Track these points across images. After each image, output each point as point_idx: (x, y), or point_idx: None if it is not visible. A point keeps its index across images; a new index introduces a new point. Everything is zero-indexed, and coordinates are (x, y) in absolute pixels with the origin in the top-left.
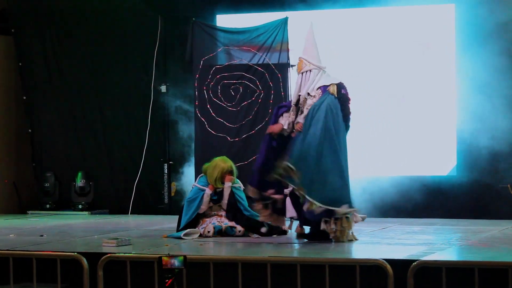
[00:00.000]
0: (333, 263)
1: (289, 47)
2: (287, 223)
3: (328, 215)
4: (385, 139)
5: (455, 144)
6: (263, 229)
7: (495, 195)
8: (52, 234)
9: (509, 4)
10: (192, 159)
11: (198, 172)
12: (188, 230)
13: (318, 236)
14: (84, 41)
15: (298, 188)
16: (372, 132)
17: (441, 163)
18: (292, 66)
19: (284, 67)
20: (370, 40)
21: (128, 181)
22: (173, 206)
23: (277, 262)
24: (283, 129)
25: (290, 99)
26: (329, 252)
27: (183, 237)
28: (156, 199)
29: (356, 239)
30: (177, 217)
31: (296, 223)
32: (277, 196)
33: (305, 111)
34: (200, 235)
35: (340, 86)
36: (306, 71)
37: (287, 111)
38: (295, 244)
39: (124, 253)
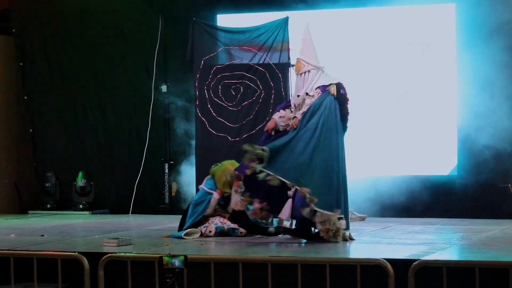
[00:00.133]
0: (333, 262)
1: (290, 47)
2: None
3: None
4: (386, 139)
5: (456, 144)
6: (271, 229)
7: (496, 194)
8: (53, 234)
9: (509, 3)
10: (193, 159)
11: (199, 171)
12: (188, 230)
13: (303, 233)
14: (85, 40)
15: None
16: (373, 131)
17: (442, 162)
18: (293, 65)
19: (284, 67)
20: (370, 39)
21: (128, 181)
22: (174, 206)
23: (278, 262)
24: (277, 124)
25: (290, 99)
26: (330, 252)
27: (184, 237)
28: (157, 199)
29: (353, 239)
30: (178, 216)
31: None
32: (257, 205)
33: (304, 108)
34: (201, 235)
35: (339, 86)
36: (305, 72)
37: (285, 108)
38: (296, 244)
39: (125, 253)
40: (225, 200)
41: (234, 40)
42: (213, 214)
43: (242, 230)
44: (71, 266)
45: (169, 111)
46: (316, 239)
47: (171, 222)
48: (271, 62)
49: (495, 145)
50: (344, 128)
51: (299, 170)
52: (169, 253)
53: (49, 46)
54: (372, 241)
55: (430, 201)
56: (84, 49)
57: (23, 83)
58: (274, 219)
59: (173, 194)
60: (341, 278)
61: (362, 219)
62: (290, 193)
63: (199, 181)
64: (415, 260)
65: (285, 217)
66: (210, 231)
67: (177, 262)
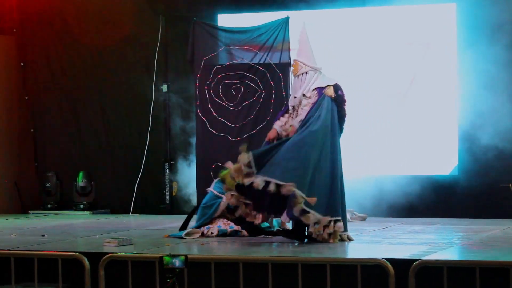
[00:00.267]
0: (334, 262)
1: (290, 47)
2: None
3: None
4: (386, 139)
5: (457, 143)
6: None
7: (497, 194)
8: (53, 234)
9: (509, 3)
10: (193, 159)
11: (199, 171)
12: (189, 229)
13: (299, 234)
14: (85, 40)
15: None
16: (373, 131)
17: (443, 162)
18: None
19: (285, 67)
20: (371, 39)
21: (129, 181)
22: (174, 206)
23: (279, 261)
24: (278, 133)
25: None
26: (331, 252)
27: (184, 237)
28: (157, 198)
29: (352, 239)
30: (178, 216)
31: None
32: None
33: (301, 112)
34: (202, 234)
35: (336, 87)
36: (302, 74)
37: (284, 114)
38: (296, 244)
39: (126, 253)
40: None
41: (234, 40)
42: (219, 216)
43: (244, 232)
44: (71, 266)
45: (169, 111)
46: (310, 240)
47: (172, 222)
48: (271, 62)
49: (496, 144)
50: (341, 129)
51: (287, 169)
52: (170, 253)
53: (50, 46)
54: (373, 241)
55: (431, 201)
56: (84, 49)
57: (24, 83)
58: (275, 220)
59: (174, 194)
60: (341, 278)
61: (363, 219)
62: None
63: (199, 181)
64: (415, 260)
65: (284, 218)
66: (212, 233)
67: (177, 262)
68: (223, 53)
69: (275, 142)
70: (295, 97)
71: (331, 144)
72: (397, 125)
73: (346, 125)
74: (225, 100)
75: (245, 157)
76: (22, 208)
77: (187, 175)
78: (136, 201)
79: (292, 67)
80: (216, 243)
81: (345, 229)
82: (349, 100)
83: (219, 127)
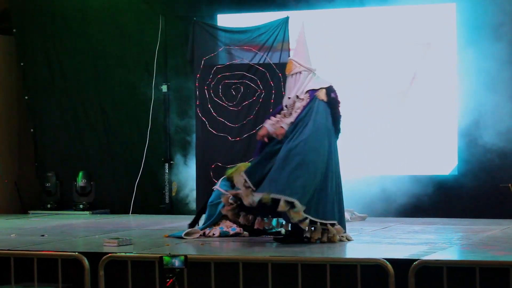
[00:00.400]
0: (334, 262)
1: (290, 47)
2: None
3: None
4: (386, 138)
5: (457, 143)
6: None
7: (496, 194)
8: (53, 234)
9: (509, 3)
10: (193, 159)
11: (199, 171)
12: (189, 229)
13: (293, 238)
14: (85, 40)
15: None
16: (373, 131)
17: (443, 162)
18: None
19: (285, 67)
20: (371, 39)
21: (129, 181)
22: (174, 206)
23: (278, 261)
24: (269, 131)
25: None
26: (330, 252)
27: (184, 237)
28: (157, 198)
29: (351, 239)
30: (178, 216)
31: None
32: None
33: (294, 114)
34: (204, 235)
35: (329, 90)
36: (296, 73)
37: (280, 112)
38: (296, 244)
39: (125, 253)
40: None
41: (234, 40)
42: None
43: (246, 234)
44: (71, 266)
45: (169, 111)
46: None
47: (172, 222)
48: (271, 62)
49: (496, 144)
50: (337, 131)
51: (288, 183)
52: (170, 253)
53: (50, 46)
54: (373, 241)
55: (431, 200)
56: (84, 49)
57: (24, 83)
58: (274, 220)
59: (174, 194)
60: (341, 278)
61: (363, 219)
62: None
63: (199, 181)
64: (415, 260)
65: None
66: (213, 234)
67: (177, 262)
68: (223, 53)
69: (265, 140)
70: (288, 98)
71: (327, 147)
72: (397, 125)
73: (346, 125)
74: (225, 100)
75: (240, 179)
76: (22, 208)
77: (186, 175)
78: (136, 201)
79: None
80: (215, 243)
81: (344, 230)
82: (349, 100)
83: (219, 127)
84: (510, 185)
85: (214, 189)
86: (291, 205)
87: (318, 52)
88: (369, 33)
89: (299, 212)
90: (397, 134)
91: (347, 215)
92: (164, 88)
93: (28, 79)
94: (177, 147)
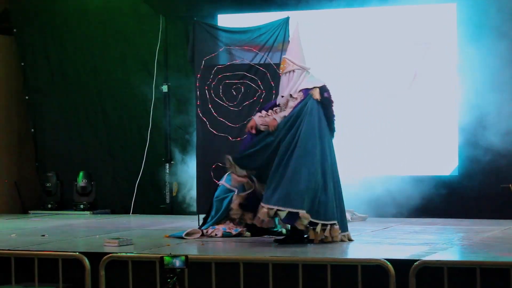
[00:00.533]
0: (334, 263)
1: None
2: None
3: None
4: (387, 139)
5: (457, 144)
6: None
7: (497, 195)
8: (53, 234)
9: (509, 3)
10: (194, 159)
11: (200, 171)
12: (189, 229)
13: (293, 239)
14: (86, 40)
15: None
16: (374, 131)
17: (444, 162)
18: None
19: None
20: (371, 39)
21: (129, 181)
22: (175, 206)
23: (279, 262)
24: (257, 124)
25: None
26: (331, 252)
27: (185, 237)
28: (158, 199)
29: (352, 240)
30: (179, 216)
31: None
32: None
33: (287, 110)
34: (203, 234)
35: (322, 89)
36: (289, 72)
37: (272, 107)
38: (297, 244)
39: (126, 253)
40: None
41: (235, 40)
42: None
43: (248, 234)
44: (72, 266)
45: (170, 111)
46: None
47: (172, 222)
48: (272, 62)
49: (497, 144)
50: (332, 130)
51: (288, 194)
52: (170, 253)
53: (50, 46)
54: (373, 241)
55: (432, 201)
56: (85, 49)
57: (24, 83)
58: (276, 219)
59: (174, 194)
60: (342, 278)
61: (363, 219)
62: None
63: (200, 181)
64: (416, 260)
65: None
66: (216, 234)
67: (178, 262)
68: (224, 53)
69: (253, 131)
70: (282, 96)
71: (320, 147)
72: (398, 125)
73: (346, 126)
74: (225, 100)
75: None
76: (22, 208)
77: (187, 175)
78: (137, 201)
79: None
80: (216, 243)
81: (345, 229)
82: (349, 101)
83: (219, 127)
84: (510, 185)
85: (220, 184)
86: (297, 215)
87: (319, 52)
88: (370, 33)
89: (307, 219)
90: (397, 134)
91: (347, 216)
92: (165, 88)
93: (29, 79)
94: (178, 147)
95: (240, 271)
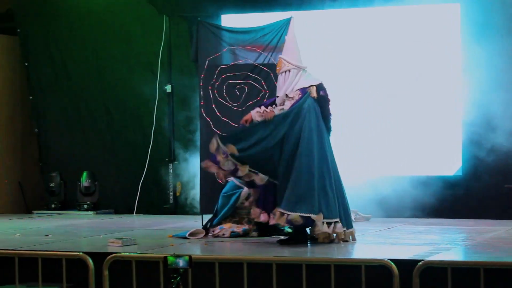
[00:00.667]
0: (338, 263)
1: None
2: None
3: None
4: (391, 139)
5: (461, 144)
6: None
7: (501, 195)
8: (57, 234)
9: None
10: (197, 159)
11: (203, 171)
12: (193, 229)
13: (297, 239)
14: (89, 40)
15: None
16: (377, 132)
17: (448, 163)
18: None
19: None
20: (375, 39)
21: (133, 181)
22: (178, 206)
23: (283, 262)
24: (253, 118)
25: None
26: (335, 252)
27: (188, 237)
28: (161, 199)
29: (355, 240)
30: (182, 216)
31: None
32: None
33: (287, 105)
34: (207, 233)
35: (319, 87)
36: (285, 71)
37: (271, 104)
38: (301, 244)
39: (130, 253)
40: None
41: (238, 40)
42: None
43: (254, 234)
44: (75, 266)
45: (173, 111)
46: (313, 240)
47: (176, 222)
48: (275, 62)
49: (501, 144)
50: (328, 129)
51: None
52: (174, 253)
53: (54, 46)
54: (377, 242)
55: (435, 201)
56: (88, 49)
57: (28, 83)
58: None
59: (178, 194)
60: (345, 278)
61: (367, 219)
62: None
63: (203, 181)
64: (420, 261)
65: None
66: (223, 234)
67: (181, 262)
68: (227, 53)
69: (247, 125)
70: (277, 96)
71: (320, 146)
72: (402, 125)
73: (351, 126)
74: (229, 100)
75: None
76: (26, 208)
77: (191, 175)
78: (140, 201)
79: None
80: (220, 243)
81: (350, 226)
82: (353, 100)
83: (223, 127)
84: None
85: (229, 180)
86: (309, 218)
87: (323, 52)
88: (374, 33)
89: (320, 220)
90: (401, 134)
91: (351, 216)
92: (168, 88)
93: (32, 79)
94: (181, 148)
95: (243, 271)
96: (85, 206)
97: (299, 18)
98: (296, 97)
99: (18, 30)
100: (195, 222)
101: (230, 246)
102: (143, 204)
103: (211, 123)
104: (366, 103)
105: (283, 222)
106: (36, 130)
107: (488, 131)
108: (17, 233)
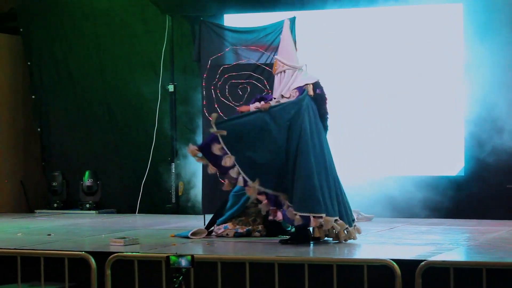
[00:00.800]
0: (340, 263)
1: (297, 47)
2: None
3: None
4: (393, 139)
5: (464, 144)
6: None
7: (503, 195)
8: (59, 233)
9: None
10: None
11: (205, 171)
12: (195, 229)
13: (299, 239)
14: (92, 39)
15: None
16: (379, 131)
17: (450, 163)
18: None
19: None
20: (377, 39)
21: (135, 180)
22: (181, 206)
23: (285, 262)
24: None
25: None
26: (337, 252)
27: (191, 237)
28: (164, 198)
29: (355, 238)
30: (185, 216)
31: None
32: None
33: (283, 100)
34: (209, 233)
35: (315, 86)
36: (280, 72)
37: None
38: (303, 244)
39: (132, 252)
40: None
41: (241, 40)
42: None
43: (257, 234)
44: (78, 266)
45: (176, 111)
46: (315, 240)
47: (178, 221)
48: None
49: (503, 145)
50: (325, 128)
51: (278, 177)
52: (176, 253)
53: (57, 45)
54: (379, 242)
55: (438, 201)
56: (91, 49)
57: (31, 82)
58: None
59: (180, 194)
60: (348, 278)
61: (369, 219)
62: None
63: (206, 181)
64: (422, 261)
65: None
66: (227, 234)
67: (184, 262)
68: (230, 53)
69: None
70: (274, 98)
71: (319, 144)
72: (404, 125)
73: (353, 126)
74: (231, 100)
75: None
76: (28, 207)
77: (193, 174)
78: (142, 200)
79: None
80: (222, 243)
81: (350, 224)
82: (356, 101)
83: None
84: None
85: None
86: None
87: (326, 52)
88: (376, 33)
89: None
90: (404, 134)
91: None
92: (171, 87)
93: (35, 79)
94: (184, 147)
95: (246, 271)
96: (87, 205)
97: (301, 18)
98: (294, 96)
99: (21, 30)
100: (197, 222)
101: (232, 245)
102: (145, 204)
103: (223, 116)
104: (369, 103)
105: (298, 222)
106: (39, 129)
107: (491, 131)
108: (19, 232)
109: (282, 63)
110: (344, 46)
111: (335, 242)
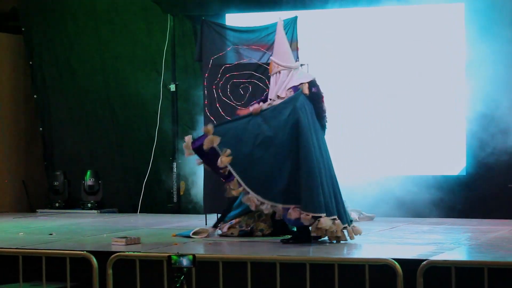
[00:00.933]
0: (342, 262)
1: (298, 46)
2: None
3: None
4: (395, 139)
5: (465, 144)
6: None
7: (505, 194)
8: (61, 233)
9: None
10: None
11: (207, 171)
12: (197, 228)
13: (300, 238)
14: (94, 39)
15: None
16: (381, 131)
17: (452, 162)
18: (301, 65)
19: None
20: (379, 39)
21: (137, 180)
22: (182, 205)
23: (287, 261)
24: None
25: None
26: (338, 252)
27: (192, 236)
28: (165, 198)
29: (353, 238)
30: (186, 215)
31: None
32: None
33: (277, 101)
34: (216, 227)
35: (311, 84)
36: (276, 73)
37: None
38: (305, 243)
39: (133, 252)
40: None
41: (242, 39)
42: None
43: (259, 233)
44: (79, 265)
45: (177, 110)
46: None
47: (180, 221)
48: None
49: (505, 144)
50: (323, 127)
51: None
52: (178, 252)
53: (58, 45)
54: (381, 241)
55: (439, 201)
56: (93, 48)
57: (32, 82)
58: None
59: (182, 193)
60: (349, 277)
61: (371, 218)
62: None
63: (207, 180)
64: (423, 260)
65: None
66: (232, 233)
67: (185, 261)
68: (231, 52)
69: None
70: (270, 99)
71: (316, 143)
72: (406, 125)
73: (354, 125)
74: (233, 100)
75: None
76: (30, 207)
77: (194, 174)
78: (144, 200)
79: (301, 64)
80: (224, 242)
81: (349, 223)
82: (358, 100)
83: None
84: None
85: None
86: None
87: (329, 51)
88: (378, 33)
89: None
90: (406, 134)
91: (355, 215)
92: (173, 87)
93: (37, 78)
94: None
95: (247, 270)
96: (89, 205)
97: (302, 17)
98: (289, 95)
99: (23, 29)
100: (199, 221)
101: (234, 245)
102: (147, 203)
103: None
104: (371, 102)
105: (307, 222)
106: (40, 129)
107: (493, 131)
108: (21, 232)
109: (277, 64)
110: (346, 46)
111: (333, 242)
